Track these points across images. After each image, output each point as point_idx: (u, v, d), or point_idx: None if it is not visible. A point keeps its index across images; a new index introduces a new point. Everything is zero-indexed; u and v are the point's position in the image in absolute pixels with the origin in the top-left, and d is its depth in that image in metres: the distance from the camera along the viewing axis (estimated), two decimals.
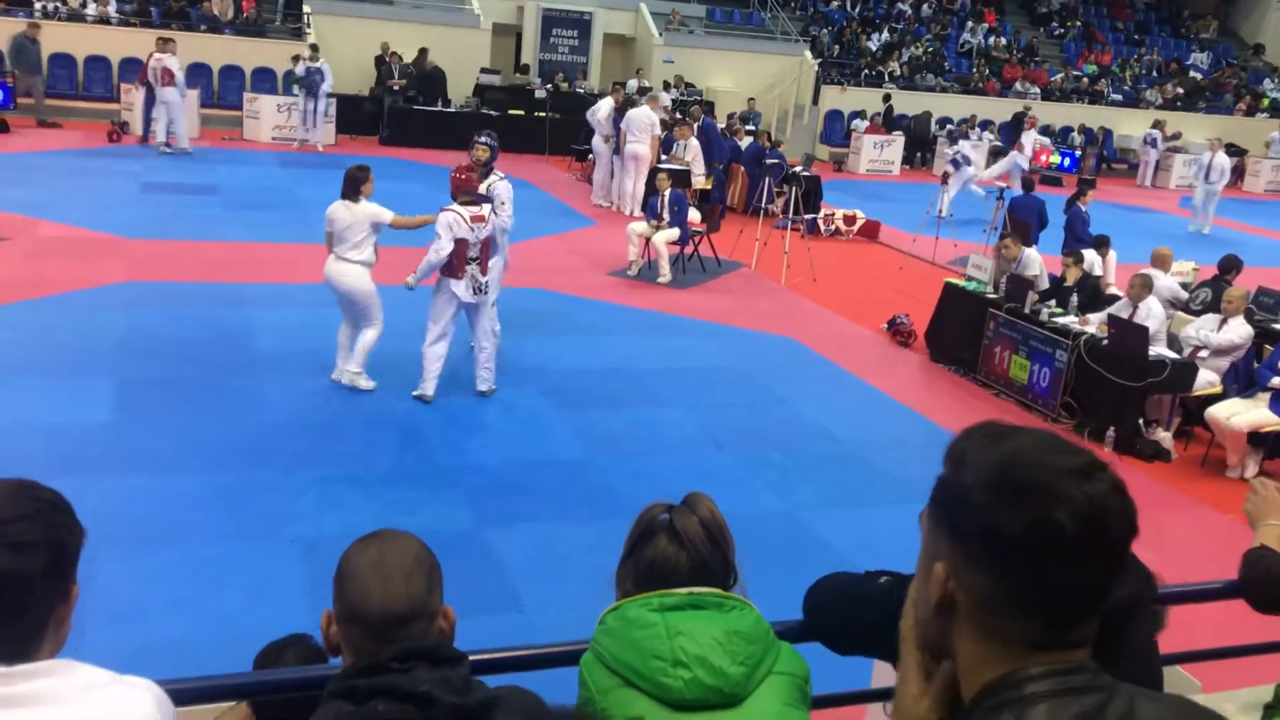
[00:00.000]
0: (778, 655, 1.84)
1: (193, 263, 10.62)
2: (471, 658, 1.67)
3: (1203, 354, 8.36)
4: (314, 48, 18.16)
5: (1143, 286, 8.43)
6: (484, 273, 7.48)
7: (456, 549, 5.48)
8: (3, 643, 1.45)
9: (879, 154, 22.18)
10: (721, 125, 18.10)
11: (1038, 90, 25.59)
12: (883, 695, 2.45)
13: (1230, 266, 9.99)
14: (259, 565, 5.35)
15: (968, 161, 17.09)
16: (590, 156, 17.00)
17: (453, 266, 7.34)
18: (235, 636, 3.98)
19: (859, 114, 23.11)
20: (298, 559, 5.43)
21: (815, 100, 23.55)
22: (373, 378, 7.70)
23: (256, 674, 2.25)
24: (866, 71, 24.61)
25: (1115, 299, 9.06)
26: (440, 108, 19.59)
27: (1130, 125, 25.83)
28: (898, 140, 22.42)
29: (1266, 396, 7.70)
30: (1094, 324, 8.57)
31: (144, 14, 19.41)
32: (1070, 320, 8.78)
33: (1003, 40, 27.23)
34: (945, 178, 16.09)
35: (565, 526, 6.03)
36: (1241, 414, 7.65)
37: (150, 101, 16.39)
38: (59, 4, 18.86)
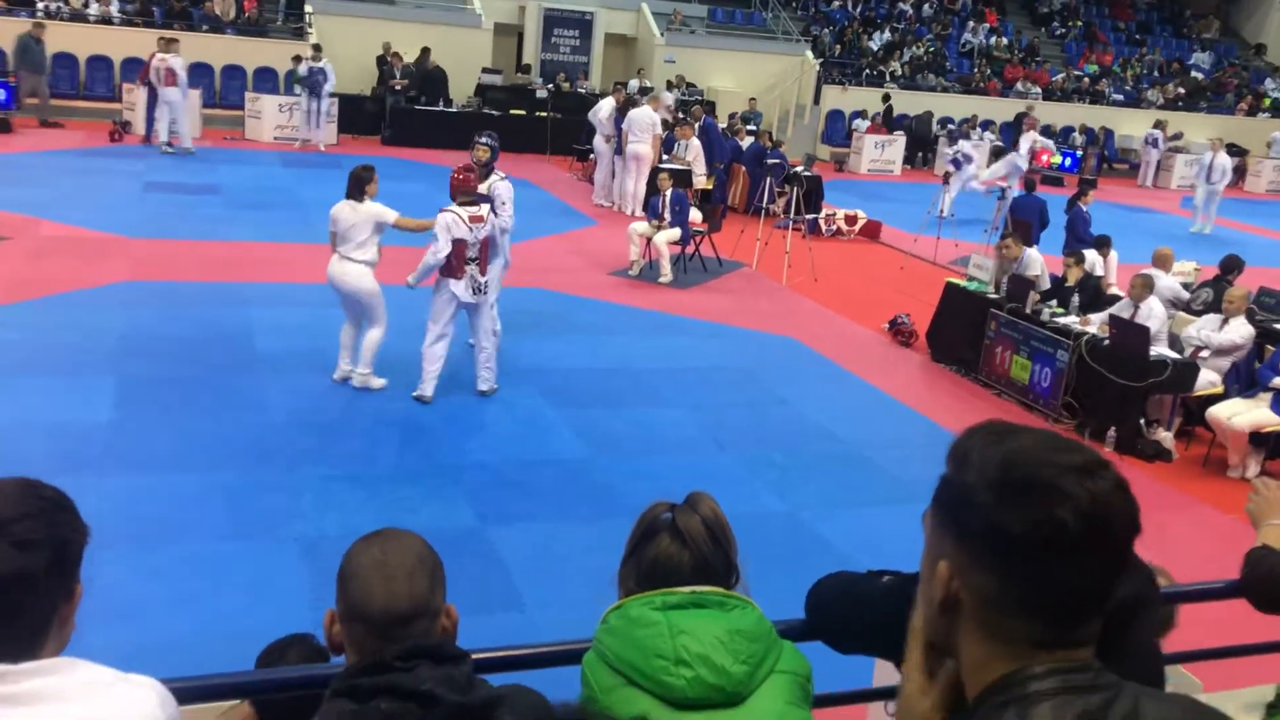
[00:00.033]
0: (780, 654, 1.84)
1: (194, 262, 10.63)
2: (474, 656, 1.67)
3: (1204, 354, 8.36)
4: (316, 47, 18.16)
5: (1144, 287, 8.43)
6: (483, 273, 7.48)
7: (458, 548, 5.49)
8: (6, 641, 1.45)
9: (880, 154, 22.18)
10: (723, 125, 18.11)
11: (1039, 90, 25.58)
12: (884, 694, 2.45)
13: (1232, 266, 9.99)
14: (260, 564, 5.35)
15: (968, 160, 17.09)
16: (591, 156, 17.00)
17: (452, 267, 7.35)
18: (236, 635, 3.98)
19: (860, 114, 23.12)
20: (299, 558, 5.43)
21: (816, 100, 23.55)
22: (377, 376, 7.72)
23: (259, 672, 2.25)
24: (868, 71, 24.61)
25: (1116, 299, 9.05)
26: (442, 108, 19.59)
27: (1131, 125, 25.82)
28: (899, 140, 22.42)
29: (1268, 396, 7.70)
30: (1095, 324, 8.57)
31: (146, 14, 19.42)
32: (1071, 320, 8.78)
33: (1004, 40, 27.23)
34: (947, 178, 16.09)
35: (566, 526, 6.04)
36: (1243, 414, 7.65)
37: (152, 101, 16.40)
38: (61, 4, 18.87)
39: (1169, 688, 2.78)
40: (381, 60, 19.92)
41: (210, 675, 1.88)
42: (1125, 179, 24.77)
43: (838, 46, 25.10)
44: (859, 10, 26.54)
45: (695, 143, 15.89)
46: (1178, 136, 24.86)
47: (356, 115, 19.39)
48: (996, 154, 17.46)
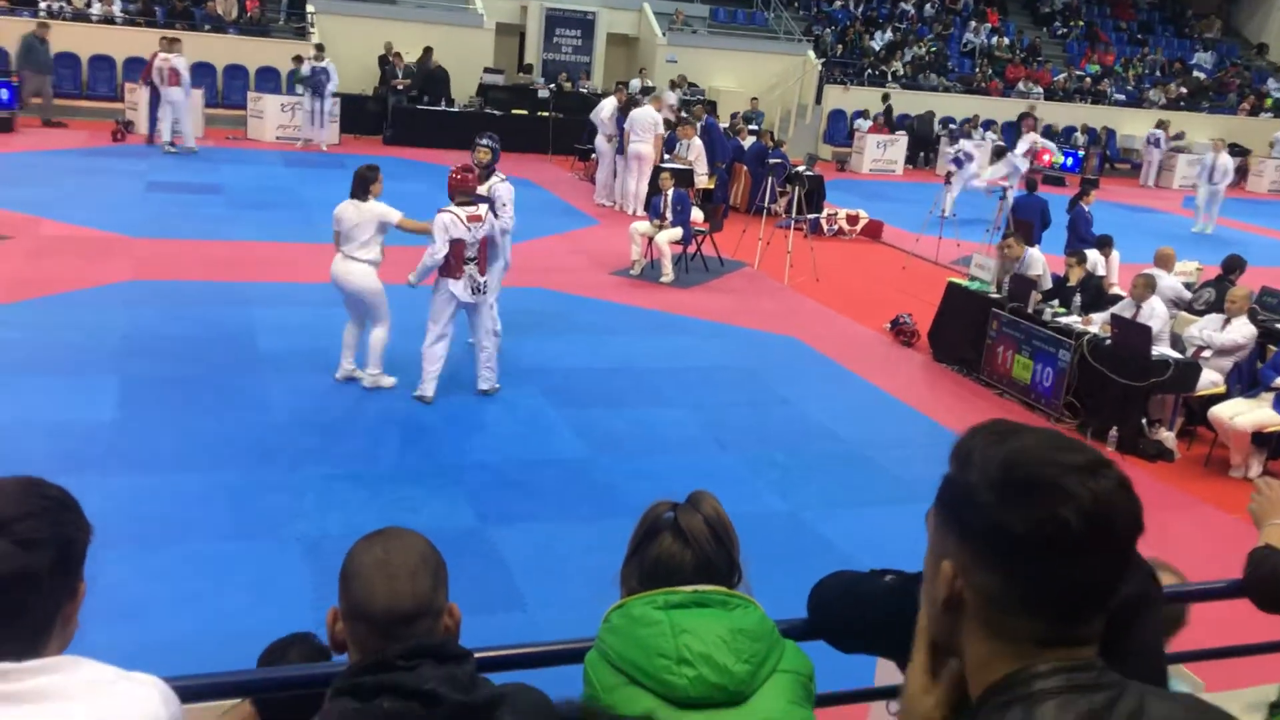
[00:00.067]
0: (782, 653, 1.84)
1: (197, 262, 10.64)
2: (476, 655, 1.67)
3: (1206, 354, 8.35)
4: (319, 47, 18.17)
5: (1146, 286, 8.42)
6: (482, 273, 7.48)
7: (459, 547, 5.49)
8: (10, 640, 1.46)
9: (882, 154, 22.17)
10: (724, 125, 18.10)
11: (1041, 90, 25.56)
12: (886, 694, 2.45)
13: (1234, 266, 9.98)
14: (262, 564, 5.35)
15: (969, 159, 17.08)
16: (593, 156, 17.00)
17: (450, 266, 7.35)
18: (238, 634, 3.98)
19: (862, 114, 23.11)
20: (301, 557, 5.43)
21: (818, 100, 23.54)
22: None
23: (261, 671, 2.26)
24: (869, 71, 24.61)
25: (1118, 299, 9.05)
26: (444, 107, 19.60)
27: (1133, 125, 25.80)
28: (901, 140, 22.41)
29: (1270, 396, 7.70)
30: (1097, 324, 8.56)
31: (148, 14, 19.44)
32: (1073, 320, 8.77)
33: (1005, 40, 27.21)
34: (948, 177, 16.08)
35: (567, 525, 6.04)
36: (1245, 414, 7.64)
37: (155, 101, 16.41)
38: (64, 3, 18.89)
39: (1171, 688, 2.78)
40: (383, 60, 19.93)
41: (212, 674, 1.89)
42: (1127, 179, 24.75)
43: (839, 46, 25.09)
44: (861, 10, 26.53)
45: (697, 142, 15.89)
46: (1180, 136, 24.84)
47: (358, 115, 19.40)
48: (998, 154, 17.44)
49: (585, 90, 21.27)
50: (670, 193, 12.08)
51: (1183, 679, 3.12)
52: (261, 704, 2.26)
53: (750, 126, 18.18)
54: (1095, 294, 9.33)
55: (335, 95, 18.29)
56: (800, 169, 14.92)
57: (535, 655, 2.07)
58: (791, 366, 9.32)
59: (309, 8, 20.64)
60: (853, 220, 15.46)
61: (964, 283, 10.06)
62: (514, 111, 19.90)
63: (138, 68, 17.54)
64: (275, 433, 6.88)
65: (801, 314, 11.05)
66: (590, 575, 5.22)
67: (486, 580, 5.36)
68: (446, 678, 1.54)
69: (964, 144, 18.11)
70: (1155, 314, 8.29)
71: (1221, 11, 30.43)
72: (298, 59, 18.24)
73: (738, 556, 1.94)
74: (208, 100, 18.55)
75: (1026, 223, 12.83)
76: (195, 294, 9.60)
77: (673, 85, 21.21)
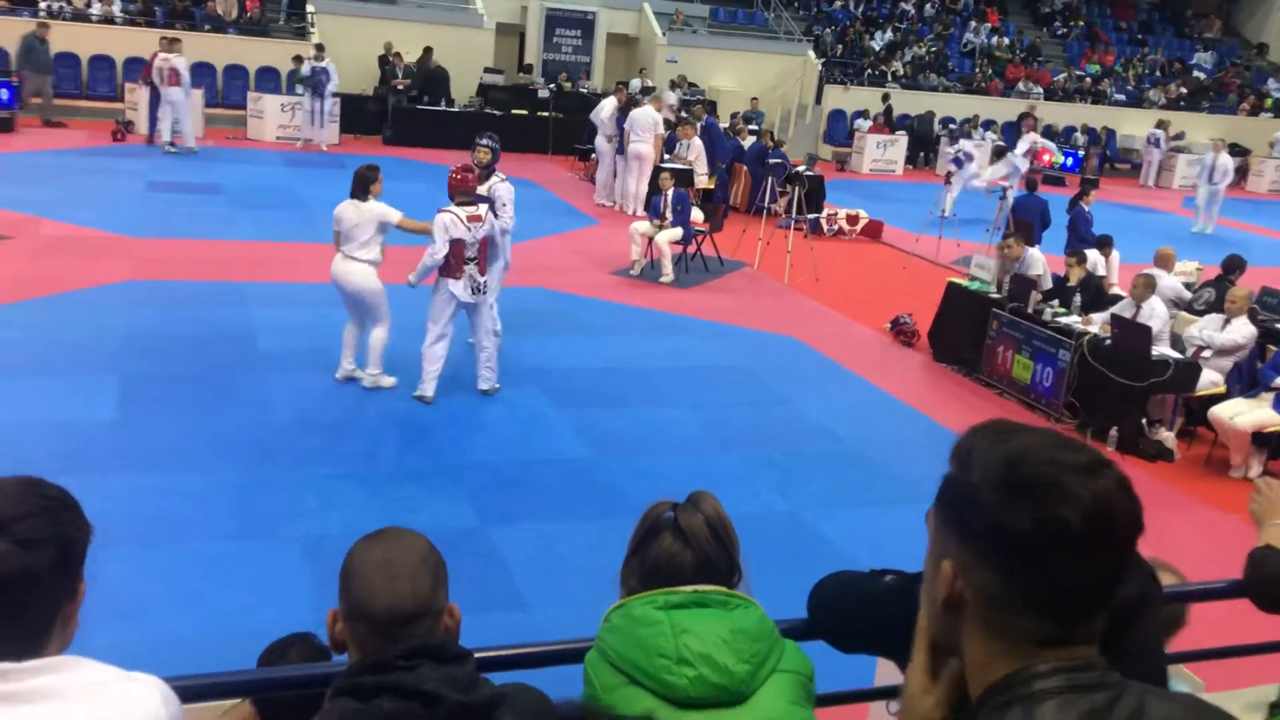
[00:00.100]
0: (782, 653, 1.84)
1: (197, 262, 10.64)
2: (476, 655, 1.67)
3: (1206, 354, 8.35)
4: (319, 47, 18.18)
5: (1146, 286, 8.42)
6: (482, 272, 7.48)
7: (460, 547, 5.49)
8: (11, 639, 1.46)
9: (882, 154, 22.17)
10: (724, 125, 18.10)
11: (1041, 90, 25.56)
12: (886, 694, 2.45)
13: (1234, 266, 9.98)
14: (262, 563, 5.36)
15: (969, 159, 17.09)
16: (593, 156, 17.00)
17: (450, 266, 7.35)
18: (239, 634, 3.98)
19: (862, 114, 23.10)
20: (301, 557, 5.43)
21: (818, 100, 23.54)
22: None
23: (261, 671, 2.26)
24: (869, 71, 24.61)
25: (1118, 299, 9.05)
26: (444, 107, 19.60)
27: (1133, 125, 25.80)
28: (901, 140, 22.41)
29: (1270, 396, 7.70)
30: (1097, 324, 8.56)
31: (148, 14, 19.44)
32: (1073, 320, 8.77)
33: (1005, 40, 27.21)
34: (949, 177, 16.08)
35: (568, 525, 6.04)
36: (1245, 414, 7.64)
37: (155, 101, 16.41)
38: (64, 3, 18.89)
39: (1171, 688, 2.78)
40: (383, 60, 19.93)
41: (213, 674, 1.89)
42: (1127, 179, 24.75)
43: (839, 46, 25.09)
44: (861, 10, 26.53)
45: (697, 142, 15.89)
46: (1180, 136, 24.83)
47: (358, 115, 19.40)
48: (998, 154, 17.45)
49: (585, 90, 21.27)
50: (670, 193, 12.08)
51: (1183, 679, 3.12)
52: (262, 704, 2.26)
53: (750, 126, 18.18)
54: (1095, 294, 9.33)
55: (335, 95, 18.29)
56: (800, 169, 14.91)
57: (535, 655, 2.07)
58: (791, 366, 9.32)
59: (309, 7, 20.64)
60: (853, 220, 15.46)
61: (964, 283, 10.06)
62: (514, 111, 19.91)
63: (138, 68, 17.54)
64: (275, 432, 6.88)
65: (801, 314, 11.05)
66: (590, 575, 5.21)
67: (487, 580, 5.36)
68: (447, 678, 1.54)
69: (964, 144, 18.11)
70: (1155, 314, 8.29)
71: (1221, 11, 30.43)
72: (297, 59, 18.24)
73: (738, 556, 1.94)
74: (208, 100, 18.55)
75: (1027, 223, 12.83)
76: (195, 294, 9.60)
77: (673, 85, 21.21)
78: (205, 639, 4.55)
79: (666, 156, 15.69)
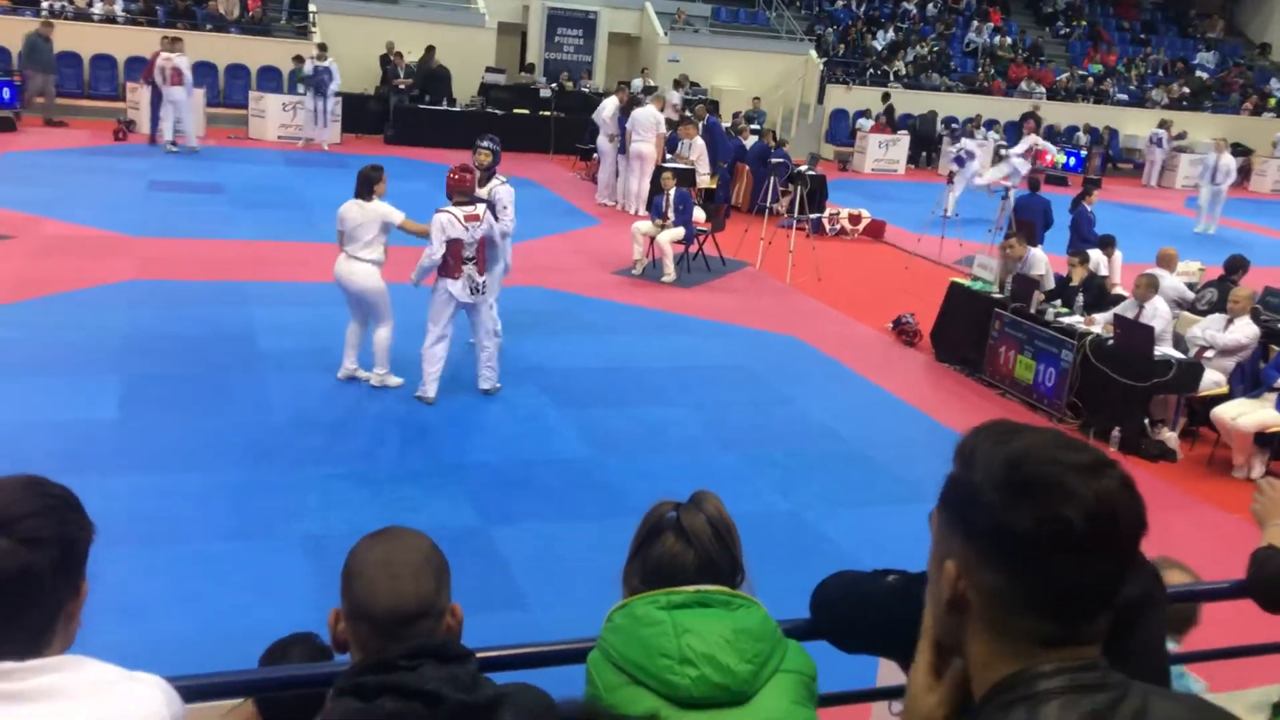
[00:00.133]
0: (785, 653, 1.84)
1: (198, 261, 10.64)
2: (479, 655, 1.66)
3: (1209, 354, 8.34)
4: (322, 47, 18.19)
5: (1148, 286, 8.42)
6: (481, 273, 7.48)
7: (460, 547, 5.48)
8: (13, 638, 1.46)
9: (884, 153, 22.16)
10: (726, 124, 18.10)
11: (1043, 90, 25.54)
12: (888, 694, 2.44)
13: (1236, 266, 9.98)
14: (263, 563, 5.36)
15: (971, 157, 17.08)
16: (595, 155, 17.00)
17: (449, 267, 7.36)
18: (240, 633, 3.98)
19: (864, 113, 23.09)
20: (302, 556, 5.44)
21: (820, 99, 23.53)
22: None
23: (264, 670, 2.26)
24: (872, 71, 24.59)
25: (1121, 299, 9.04)
26: (445, 107, 19.60)
27: (1136, 125, 25.78)
28: (903, 140, 22.41)
29: (1273, 397, 7.69)
30: (1099, 324, 8.56)
31: (150, 13, 19.45)
32: (1076, 320, 8.77)
33: (1008, 39, 27.19)
34: (951, 177, 16.06)
35: (569, 525, 6.04)
36: (1248, 414, 7.63)
37: (156, 101, 16.42)
38: (66, 3, 18.90)
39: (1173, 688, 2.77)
40: (385, 59, 19.93)
41: (215, 673, 1.88)
42: (1130, 179, 24.73)
43: (841, 46, 25.08)
44: (863, 9, 26.52)
45: (699, 142, 15.88)
46: (1182, 136, 24.80)
47: (360, 114, 19.40)
48: (999, 157, 17.48)
49: (587, 90, 21.26)
50: (672, 192, 12.08)
51: (1193, 680, 3.12)
52: (263, 704, 2.25)
53: (752, 126, 18.17)
54: (1098, 294, 9.32)
55: (337, 95, 18.30)
56: (802, 168, 14.90)
57: (538, 655, 2.07)
58: (793, 366, 9.31)
59: (311, 7, 20.65)
60: (855, 220, 15.45)
61: (966, 283, 10.05)
62: (516, 111, 19.90)
63: (139, 67, 17.55)
64: (276, 432, 6.88)
65: (803, 314, 11.04)
66: (592, 575, 5.21)
67: (487, 580, 5.36)
68: (449, 678, 1.54)
69: (965, 142, 18.10)
70: (1158, 314, 8.28)
71: (1224, 11, 30.40)
72: (298, 59, 18.26)
73: (740, 556, 1.94)
74: (209, 99, 18.56)
75: (1029, 223, 12.82)
76: (196, 293, 9.60)
77: (677, 84, 21.21)
78: (205, 639, 4.55)
79: (668, 156, 15.69)
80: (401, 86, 19.49)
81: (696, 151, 15.81)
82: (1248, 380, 8.09)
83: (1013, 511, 1.15)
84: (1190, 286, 10.31)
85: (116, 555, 5.05)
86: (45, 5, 18.61)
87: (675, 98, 19.54)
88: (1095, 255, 10.60)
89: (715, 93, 22.51)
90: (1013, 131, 22.75)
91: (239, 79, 19.51)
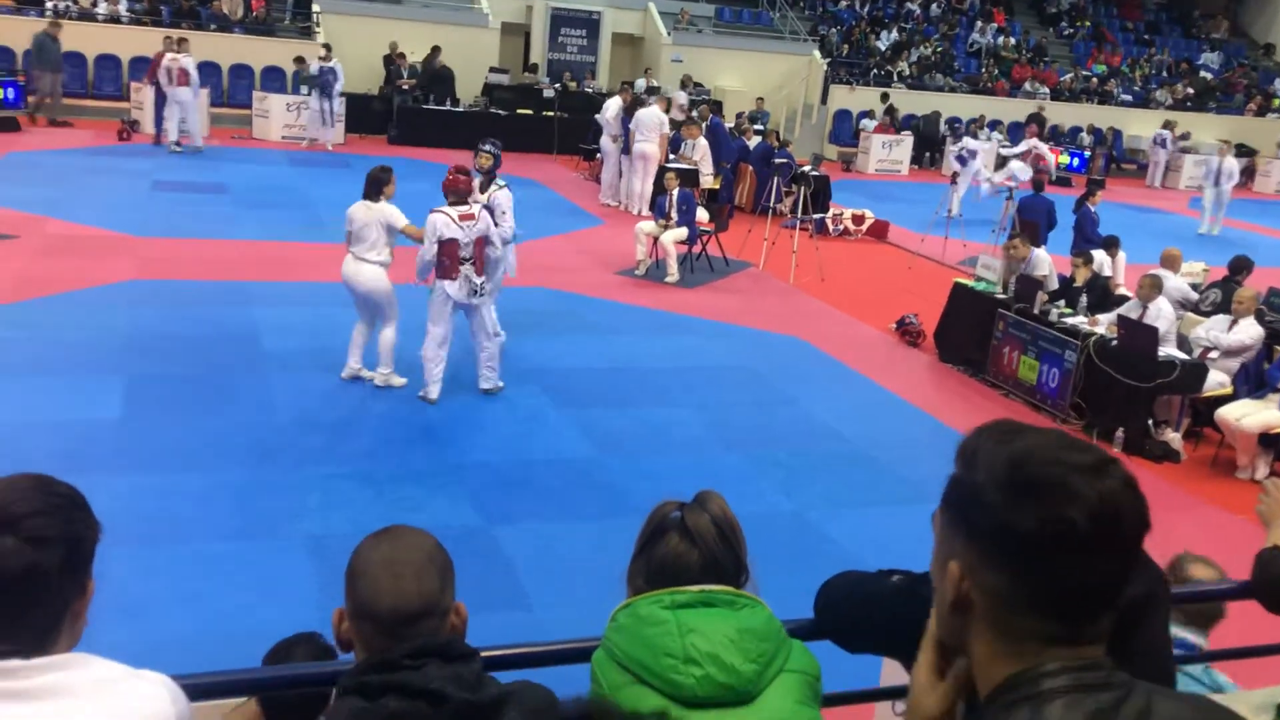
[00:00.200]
0: (789, 653, 1.84)
1: (202, 261, 10.65)
2: (483, 654, 1.66)
3: (1213, 355, 8.33)
4: (327, 47, 18.22)
5: (1152, 287, 8.41)
6: (479, 273, 7.48)
7: (461, 547, 5.46)
8: (19, 636, 1.46)
9: (887, 154, 22.15)
10: (730, 125, 18.10)
11: (1047, 90, 25.52)
12: (892, 694, 2.44)
13: (1241, 267, 9.96)
14: (266, 563, 5.36)
15: (973, 156, 17.07)
16: (598, 156, 17.01)
17: (446, 267, 7.37)
18: (242, 633, 3.99)
19: (867, 114, 23.08)
20: (305, 556, 5.44)
21: (824, 100, 23.52)
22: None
23: (269, 669, 2.26)
24: (875, 71, 24.58)
25: (1125, 299, 9.03)
26: (449, 107, 19.61)
27: (1140, 125, 25.75)
28: (906, 140, 22.39)
29: (1277, 397, 7.68)
30: (1103, 324, 8.55)
31: (154, 13, 19.47)
32: (1079, 321, 8.76)
33: (1012, 40, 27.17)
34: (954, 177, 16.05)
35: (571, 525, 6.04)
36: (1252, 415, 7.62)
37: (160, 101, 16.44)
38: (70, 3, 18.93)
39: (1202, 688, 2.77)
40: (388, 60, 19.95)
41: (219, 672, 1.88)
42: (1133, 179, 24.70)
43: (845, 46, 25.07)
44: (866, 10, 26.51)
45: (702, 142, 15.88)
46: (1186, 136, 24.77)
47: (363, 115, 19.41)
48: (1001, 163, 17.52)
49: (590, 90, 21.27)
50: (675, 193, 12.08)
51: (1219, 676, 3.12)
52: (267, 703, 2.26)
53: (755, 126, 18.16)
54: (1101, 294, 9.31)
55: (341, 95, 18.31)
56: (806, 169, 14.90)
57: (543, 654, 2.07)
58: (796, 366, 9.31)
59: (314, 7, 20.67)
60: (858, 220, 15.45)
61: (970, 283, 10.05)
62: (519, 111, 19.91)
63: (143, 67, 17.57)
64: (279, 432, 6.89)
65: (806, 314, 11.04)
66: (594, 575, 5.21)
67: (488, 580, 5.36)
68: (453, 677, 1.54)
69: (968, 141, 18.09)
70: (1162, 315, 8.27)
71: (1228, 12, 30.36)
72: (299, 60, 18.28)
73: (744, 556, 1.94)
74: (213, 99, 18.59)
75: (1032, 223, 12.81)
76: (200, 293, 9.61)
77: (683, 85, 21.21)
78: (207, 639, 4.55)
79: (672, 156, 15.69)
80: (405, 87, 19.50)
81: (700, 152, 15.80)
82: (1252, 381, 8.07)
83: (1015, 512, 1.15)
84: (1194, 287, 10.29)
85: (118, 555, 5.05)
86: (50, 5, 18.64)
87: (682, 98, 19.54)
88: (1099, 256, 10.59)
89: (719, 93, 22.50)
90: (1016, 132, 22.73)
91: (243, 79, 19.53)
